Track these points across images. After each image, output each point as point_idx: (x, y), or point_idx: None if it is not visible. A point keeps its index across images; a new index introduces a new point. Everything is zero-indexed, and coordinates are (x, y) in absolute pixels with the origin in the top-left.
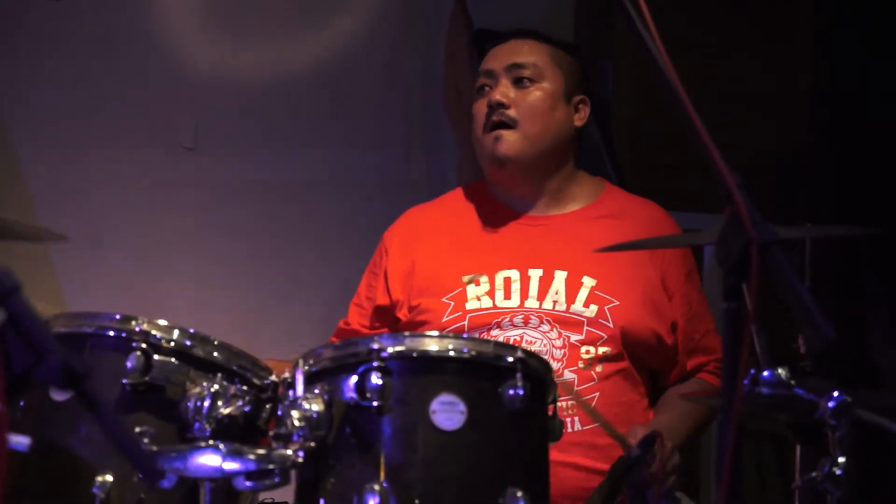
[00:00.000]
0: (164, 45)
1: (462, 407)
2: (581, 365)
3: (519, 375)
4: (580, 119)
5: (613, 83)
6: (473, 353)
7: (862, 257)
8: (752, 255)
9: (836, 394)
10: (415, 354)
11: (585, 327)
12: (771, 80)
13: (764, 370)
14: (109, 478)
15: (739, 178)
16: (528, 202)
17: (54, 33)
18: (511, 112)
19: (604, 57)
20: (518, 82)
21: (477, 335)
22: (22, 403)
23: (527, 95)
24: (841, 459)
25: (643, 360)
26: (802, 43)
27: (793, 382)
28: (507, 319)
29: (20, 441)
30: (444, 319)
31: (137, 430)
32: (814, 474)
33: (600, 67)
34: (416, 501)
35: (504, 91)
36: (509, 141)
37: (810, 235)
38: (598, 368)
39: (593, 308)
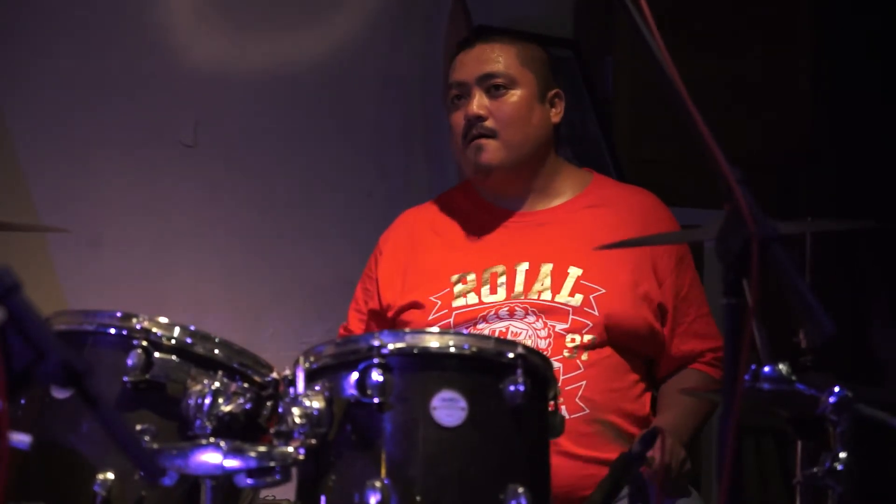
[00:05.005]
0: (164, 43)
1: (463, 403)
2: (566, 353)
3: (519, 371)
4: (557, 115)
5: (613, 80)
6: (474, 349)
7: (862, 252)
8: (753, 250)
9: (836, 389)
10: (415, 351)
11: (571, 316)
12: (771, 78)
13: (765, 366)
14: (110, 476)
15: (739, 174)
16: (515, 201)
17: (54, 31)
18: (489, 123)
19: (603, 53)
20: (491, 91)
21: (463, 331)
22: (23, 401)
23: (502, 105)
24: (842, 455)
25: (631, 347)
26: (802, 42)
27: (794, 378)
28: (493, 312)
29: (21, 439)
30: (431, 318)
31: (138, 427)
32: (815, 469)
33: (601, 64)
34: (418, 498)
35: (480, 103)
36: (490, 149)
37: (811, 230)
38: (584, 357)
39: (578, 297)
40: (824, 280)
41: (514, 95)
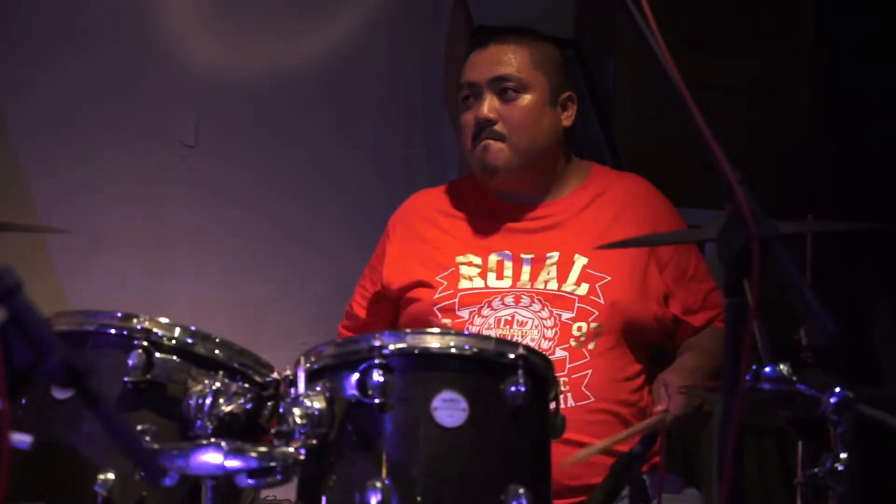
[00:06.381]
0: (165, 43)
1: (464, 404)
2: (573, 343)
3: (520, 372)
4: (568, 118)
5: (615, 80)
6: (475, 349)
7: (863, 252)
8: (754, 250)
9: (837, 389)
10: (416, 351)
11: (576, 304)
12: (771, 78)
13: (766, 366)
14: (111, 476)
15: (740, 174)
16: (522, 196)
17: (54, 31)
18: (499, 127)
19: (604, 53)
20: (503, 94)
21: (468, 313)
22: (24, 402)
23: (513, 109)
24: (843, 455)
25: (637, 336)
26: (802, 42)
27: (794, 378)
28: (498, 299)
29: (22, 439)
30: (436, 297)
31: (139, 428)
32: (816, 470)
33: (601, 64)
34: (418, 499)
35: (490, 105)
36: (496, 150)
37: (811, 230)
38: (591, 346)
39: (584, 286)
40: (825, 280)
41: (525, 100)
